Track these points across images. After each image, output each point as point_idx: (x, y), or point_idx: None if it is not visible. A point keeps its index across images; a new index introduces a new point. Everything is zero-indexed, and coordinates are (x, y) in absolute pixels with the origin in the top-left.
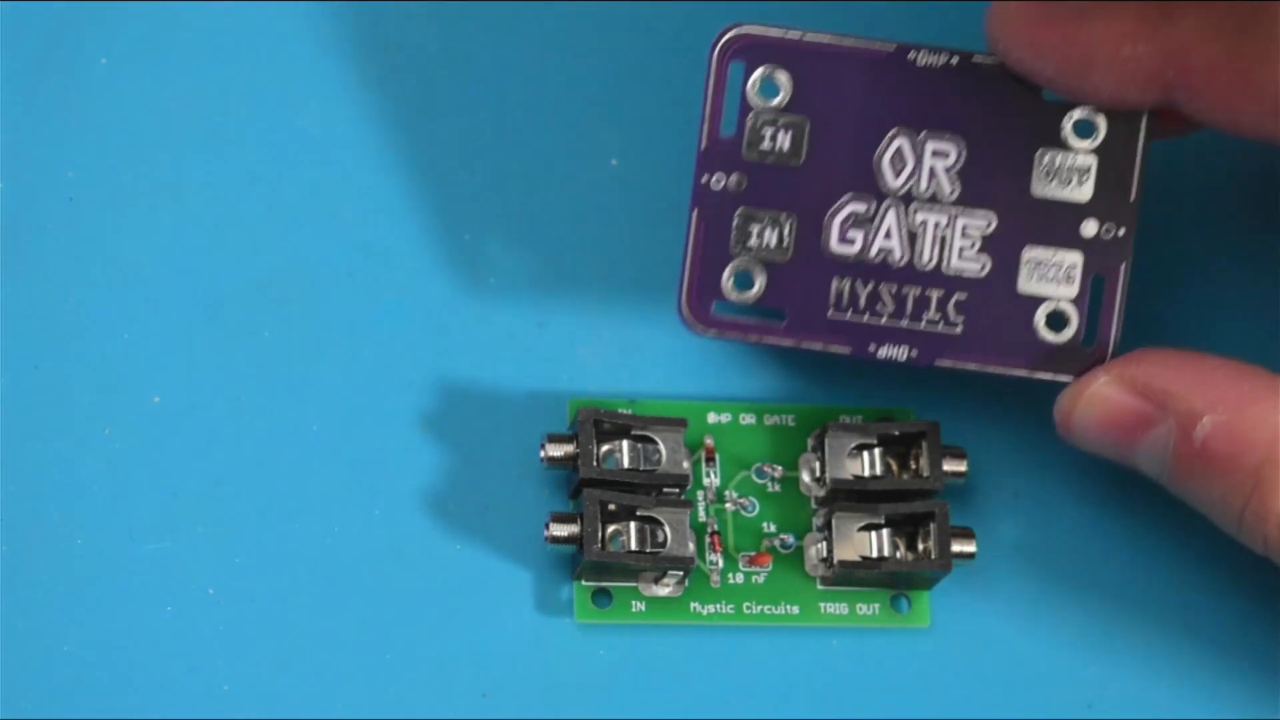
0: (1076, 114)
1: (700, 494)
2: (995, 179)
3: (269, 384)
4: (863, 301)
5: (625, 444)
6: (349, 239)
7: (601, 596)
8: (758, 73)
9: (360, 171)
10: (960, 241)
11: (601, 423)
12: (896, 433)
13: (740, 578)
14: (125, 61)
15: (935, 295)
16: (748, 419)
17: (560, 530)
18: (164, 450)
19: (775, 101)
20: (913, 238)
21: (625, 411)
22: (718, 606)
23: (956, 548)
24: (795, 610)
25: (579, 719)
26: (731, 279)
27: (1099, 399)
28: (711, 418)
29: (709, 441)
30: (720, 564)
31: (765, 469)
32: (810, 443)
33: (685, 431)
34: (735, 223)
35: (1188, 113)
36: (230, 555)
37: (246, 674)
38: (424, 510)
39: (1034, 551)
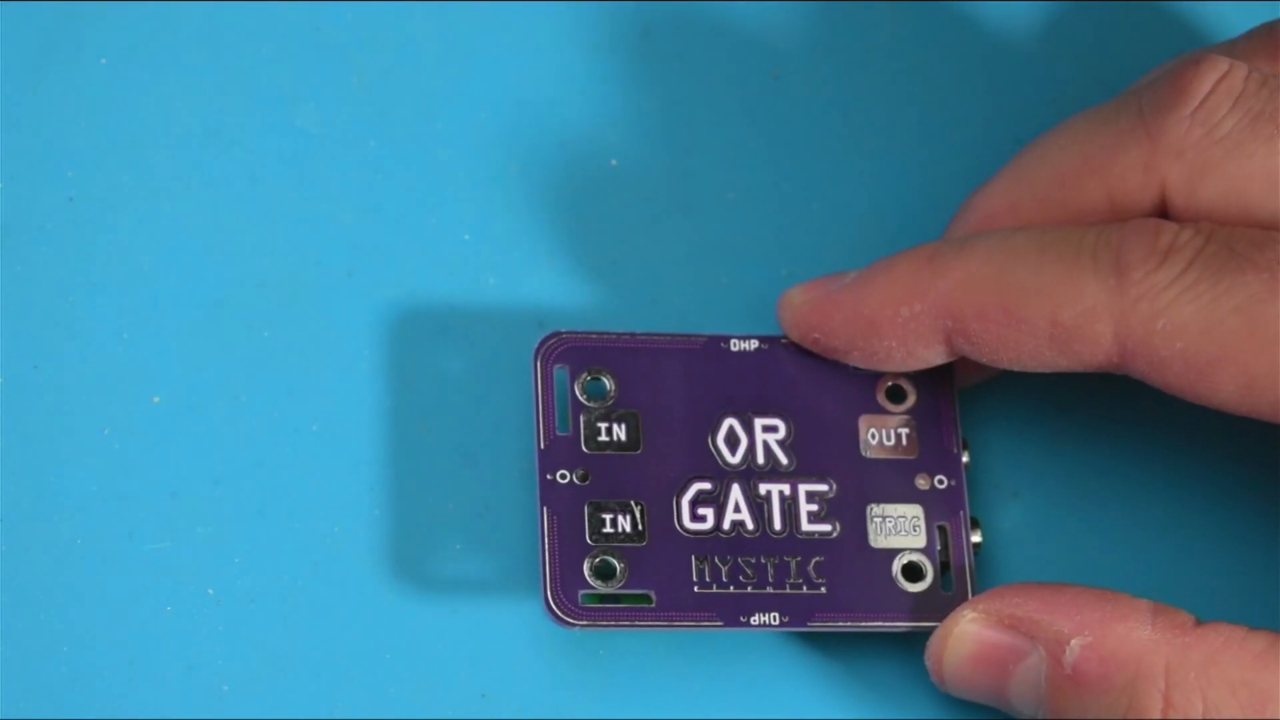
0: (888, 381)
1: None
2: (827, 446)
3: (269, 384)
4: (725, 575)
5: None
6: (349, 239)
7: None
8: (583, 376)
9: (360, 171)
10: (806, 507)
11: None
12: None
13: None
14: (125, 61)
15: (794, 560)
16: None
17: None
18: (164, 450)
19: (604, 399)
20: (760, 509)
21: None
22: None
23: None
24: None
25: (582, 719)
26: (592, 569)
27: (967, 637)
28: None
29: None
30: None
31: None
32: None
33: None
34: (586, 513)
35: (974, 358)
36: (230, 555)
37: (246, 674)
38: (424, 511)
39: (1037, 545)
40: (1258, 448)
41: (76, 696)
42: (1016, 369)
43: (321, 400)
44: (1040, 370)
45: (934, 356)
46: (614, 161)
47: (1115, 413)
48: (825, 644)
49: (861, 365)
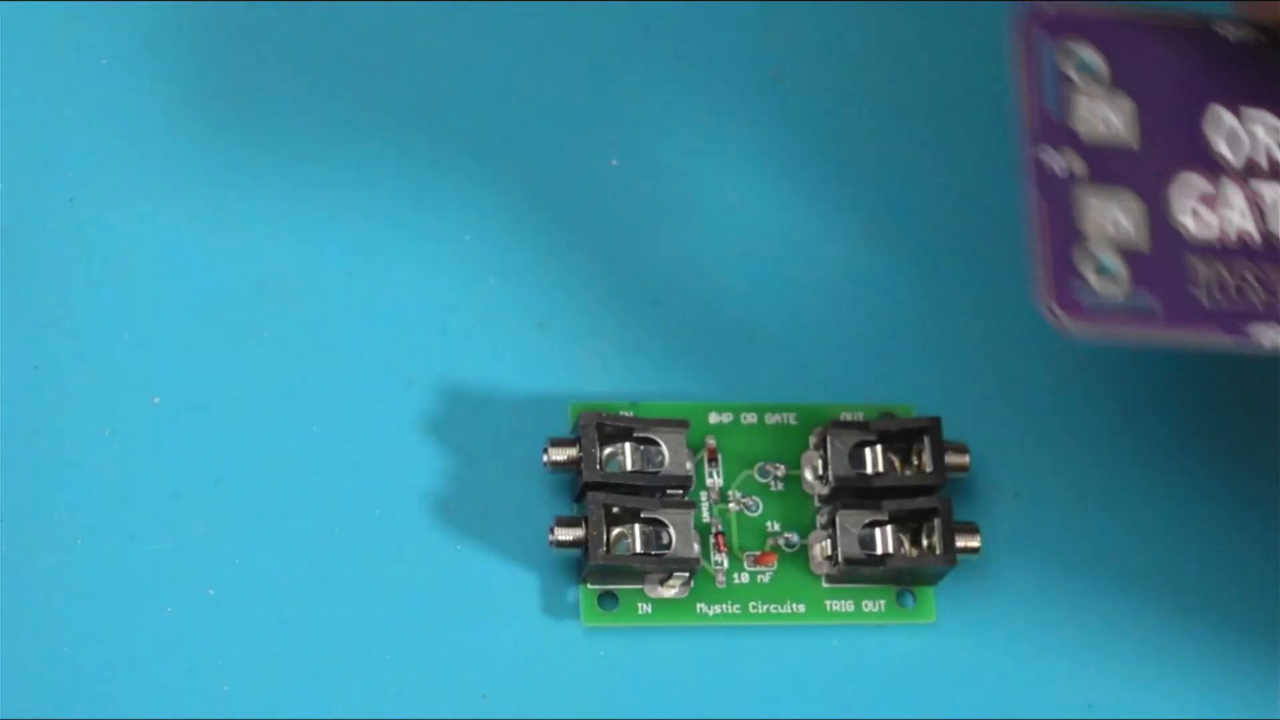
0: None
1: (704, 495)
2: None
3: (269, 384)
4: (1233, 287)
5: (628, 446)
6: (348, 239)
7: (608, 599)
8: (1077, 49)
9: (360, 171)
10: None
11: (603, 426)
12: (898, 429)
13: (745, 577)
14: (125, 61)
15: None
16: (749, 418)
17: (565, 534)
18: (164, 450)
19: (1098, 79)
20: (1262, 215)
21: (627, 414)
22: (724, 606)
23: (961, 542)
24: (801, 608)
25: (582, 719)
26: (1094, 268)
27: None
28: (713, 418)
29: (711, 442)
30: (725, 564)
31: (768, 468)
32: (812, 441)
33: (687, 432)
34: (1083, 208)
35: None
36: (230, 555)
37: (246, 675)
38: (424, 512)
39: (1038, 546)
40: (1258, 447)
41: (76, 696)
42: None
43: (321, 400)
44: None
45: None
46: (614, 162)
47: (1115, 413)
48: (832, 641)
49: None
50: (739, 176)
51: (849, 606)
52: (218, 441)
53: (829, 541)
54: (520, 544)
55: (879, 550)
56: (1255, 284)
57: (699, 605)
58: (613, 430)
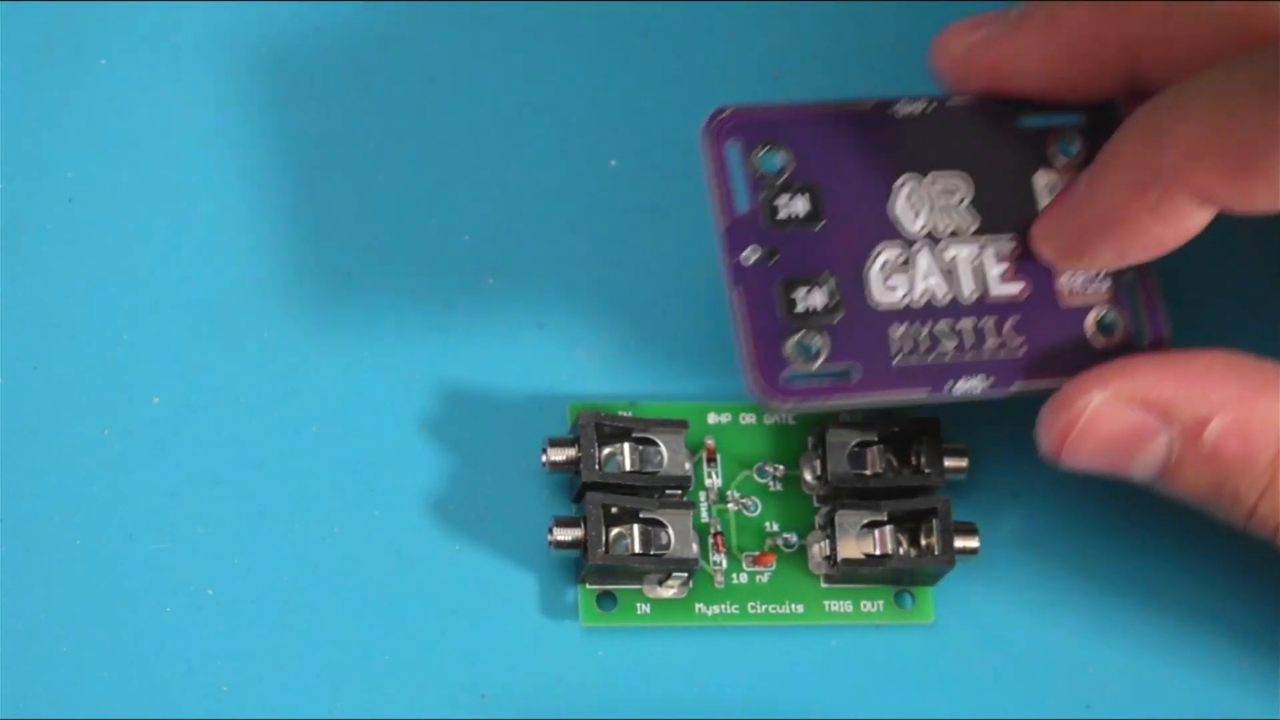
0: (1058, 138)
1: (702, 495)
2: (1006, 205)
3: (269, 384)
4: (925, 344)
5: (626, 447)
6: (348, 239)
7: (606, 600)
8: (759, 150)
9: (360, 171)
10: (994, 269)
11: (602, 426)
12: (897, 429)
13: (744, 578)
14: (125, 61)
15: (989, 323)
16: (748, 419)
17: (564, 534)
18: (164, 451)
19: (780, 172)
20: (949, 274)
21: (626, 414)
22: (722, 607)
23: (959, 543)
24: (800, 609)
25: (582, 719)
26: (795, 347)
27: (1099, 419)
28: (712, 418)
29: (710, 442)
30: (724, 564)
31: (766, 468)
32: (811, 441)
33: (686, 433)
34: (779, 292)
35: (1233, 212)
36: (230, 556)
37: (246, 675)
38: (424, 512)
39: (1036, 546)
40: None
41: (76, 696)
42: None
43: (321, 401)
44: None
45: (1199, 218)
46: (614, 162)
47: None
48: (830, 641)
49: (1141, 257)
50: None
51: (848, 607)
52: (217, 441)
53: (827, 542)
54: (519, 544)
55: (877, 551)
56: (949, 338)
57: (698, 605)
58: (611, 430)
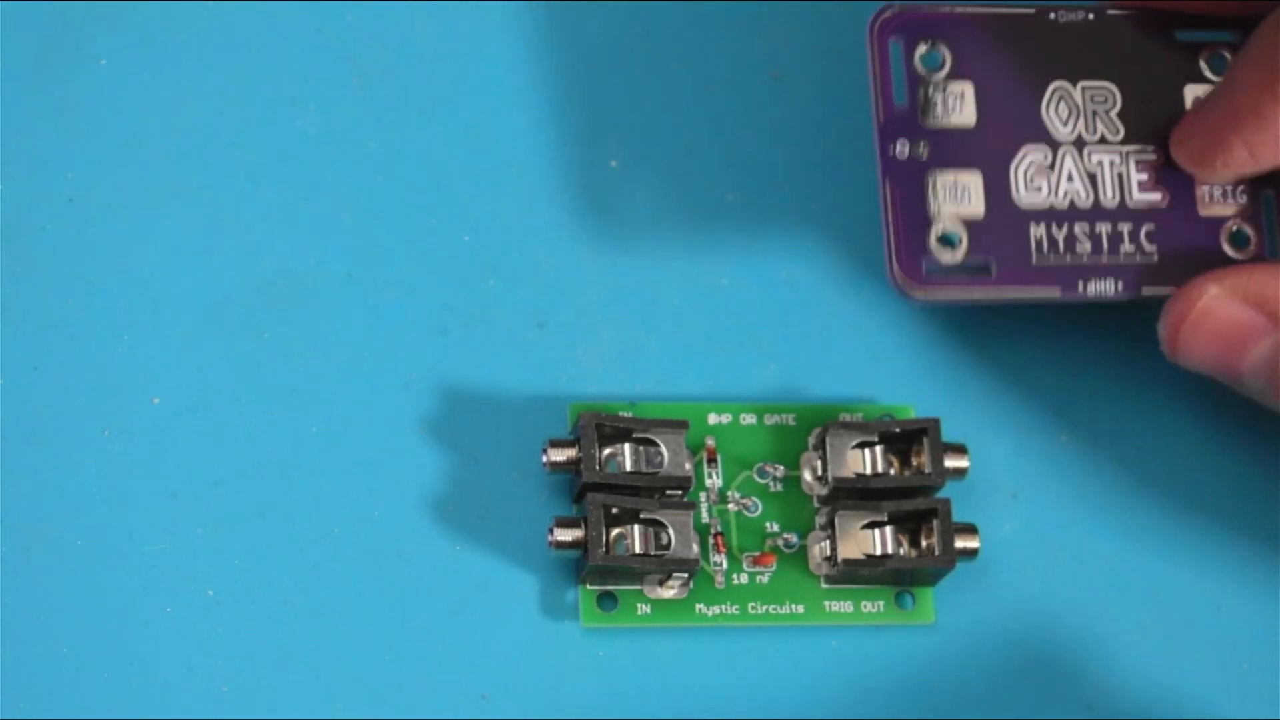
0: (1211, 53)
1: (703, 495)
2: (1154, 116)
3: (269, 384)
4: (1062, 244)
5: (627, 447)
6: (348, 239)
7: (607, 600)
8: (921, 47)
9: (360, 172)
10: (1136, 176)
11: (603, 426)
12: (897, 430)
13: (745, 578)
14: (125, 62)
15: (1125, 229)
16: (748, 419)
17: (564, 535)
18: (164, 451)
19: (940, 70)
20: (1092, 179)
21: (626, 414)
22: (723, 607)
23: (959, 543)
24: (800, 609)
25: (582, 719)
26: (936, 240)
27: (1208, 311)
28: (712, 419)
29: (710, 442)
30: (724, 565)
31: (767, 469)
32: (811, 441)
33: (686, 433)
34: (927, 186)
35: None
36: (230, 556)
37: (245, 675)
38: (424, 512)
39: (1036, 547)
40: (1258, 446)
41: (76, 696)
42: None
43: (321, 400)
44: None
45: None
46: (614, 162)
47: (1114, 413)
48: (831, 642)
49: (1274, 162)
50: (739, 176)
51: (848, 607)
52: (218, 441)
53: (828, 542)
54: (519, 545)
55: (878, 551)
56: (1085, 240)
57: (698, 606)
58: (612, 431)
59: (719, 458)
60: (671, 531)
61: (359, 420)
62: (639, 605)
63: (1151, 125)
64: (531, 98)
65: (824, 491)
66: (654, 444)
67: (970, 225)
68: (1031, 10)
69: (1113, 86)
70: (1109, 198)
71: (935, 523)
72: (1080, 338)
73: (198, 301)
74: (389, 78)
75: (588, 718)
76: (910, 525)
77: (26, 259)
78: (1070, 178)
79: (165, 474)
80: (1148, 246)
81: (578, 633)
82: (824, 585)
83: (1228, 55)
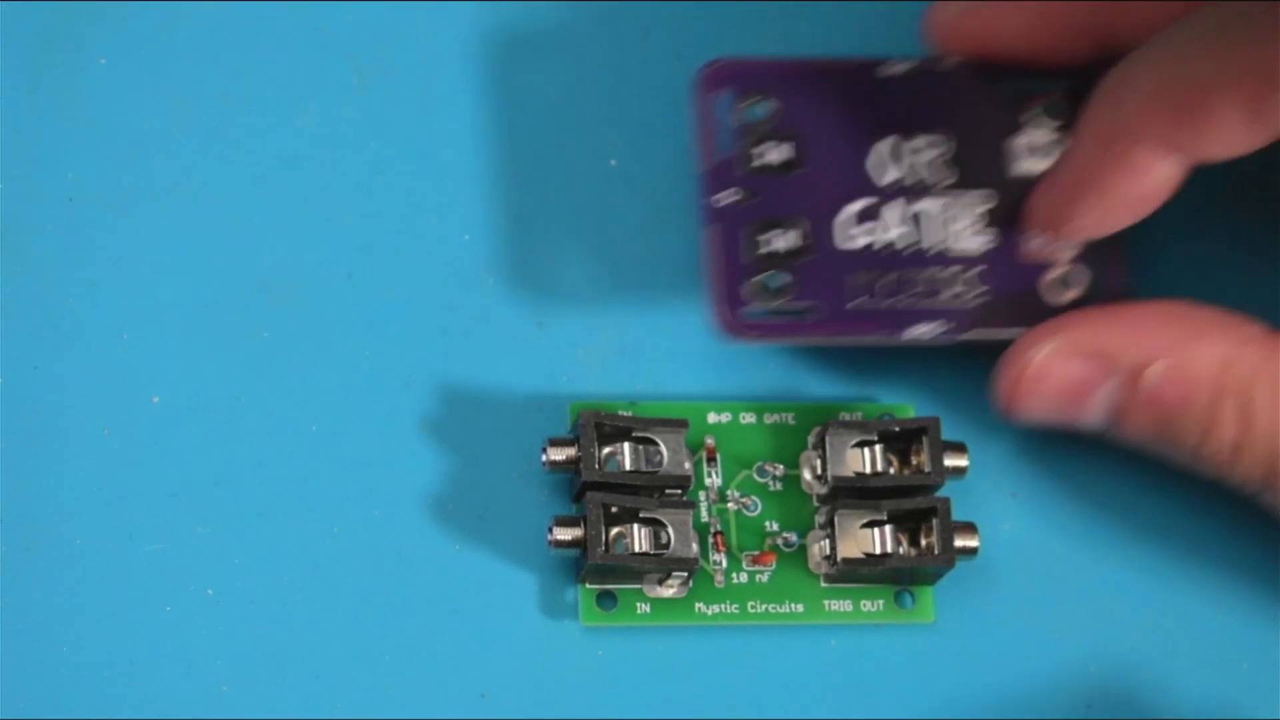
0: (1041, 102)
1: (702, 494)
2: (980, 163)
3: (269, 384)
4: (885, 289)
5: (627, 446)
6: (348, 239)
7: (606, 599)
8: (746, 99)
9: (360, 171)
10: (962, 223)
11: (602, 425)
12: (897, 429)
13: (744, 577)
14: (125, 61)
15: (950, 274)
16: (748, 418)
17: (563, 534)
18: (164, 450)
19: (765, 121)
20: (918, 225)
21: (626, 413)
22: (722, 606)
23: (959, 542)
24: (800, 608)
25: (582, 719)
26: (757, 285)
27: (1046, 370)
28: (712, 418)
29: (710, 442)
30: (724, 564)
31: (767, 468)
32: (811, 440)
33: (686, 432)
34: (748, 233)
35: (1206, 160)
36: (230, 555)
37: (245, 674)
38: (424, 512)
39: (1036, 546)
40: None
41: (76, 696)
42: (1229, 158)
43: (321, 401)
44: (1247, 152)
45: (1166, 173)
46: (614, 161)
47: None
48: (830, 641)
49: (1119, 221)
50: None
51: (847, 606)
52: (217, 441)
53: (827, 542)
54: (519, 544)
55: (877, 550)
56: (908, 285)
57: (697, 605)
58: (611, 430)
59: (718, 457)
60: (671, 530)
61: (359, 420)
62: (638, 604)
63: (980, 172)
64: (532, 96)
65: (823, 490)
66: (653, 443)
67: (792, 271)
68: (858, 64)
69: (941, 136)
70: (932, 244)
71: (935, 522)
72: None
73: (198, 301)
74: (389, 78)
75: (587, 717)
76: (910, 524)
77: (26, 259)
78: (895, 224)
79: (165, 474)
80: (972, 290)
81: (577, 631)
82: (823, 584)
83: (1060, 106)
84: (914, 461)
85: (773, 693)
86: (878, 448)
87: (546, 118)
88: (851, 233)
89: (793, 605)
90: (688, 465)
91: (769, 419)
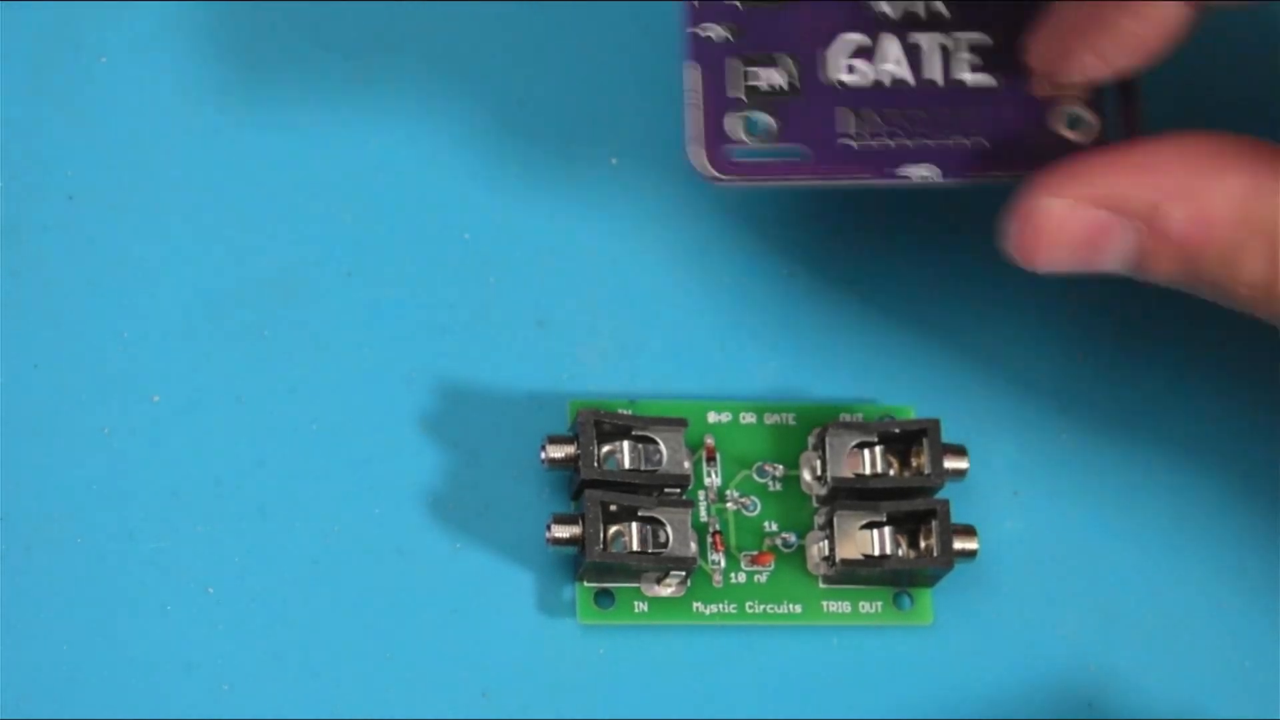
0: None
1: (701, 494)
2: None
3: (268, 384)
4: (879, 127)
5: (626, 445)
6: (348, 239)
7: (604, 597)
8: None
9: (359, 171)
10: (965, 56)
11: (602, 423)
12: (897, 430)
13: (742, 577)
14: (125, 61)
15: (949, 112)
16: (748, 418)
17: (562, 532)
18: (164, 450)
19: None
20: (916, 60)
21: (625, 412)
22: (720, 606)
23: (958, 545)
24: (798, 609)
25: (582, 719)
26: (743, 124)
27: (1061, 224)
28: (712, 417)
29: (710, 441)
30: (722, 563)
31: (766, 468)
32: (811, 441)
33: (686, 431)
34: (735, 68)
35: None
36: (230, 555)
37: (246, 674)
38: (423, 510)
39: (1035, 549)
40: (1258, 445)
41: (76, 696)
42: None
43: (321, 401)
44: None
45: (1172, 11)
46: (614, 161)
47: (1115, 413)
48: (828, 642)
49: (1124, 61)
50: None
51: (845, 608)
52: (218, 439)
53: (826, 542)
54: (518, 542)
55: (876, 552)
56: (903, 122)
57: (695, 604)
58: (611, 428)
59: (718, 456)
60: (669, 529)
61: (359, 418)
62: (636, 603)
63: (982, 9)
64: (532, 97)
65: (823, 491)
66: (653, 442)
67: (780, 109)
68: None
69: None
70: (933, 80)
71: (934, 524)
72: (1081, 337)
73: (198, 299)
74: (389, 77)
75: (585, 716)
76: (909, 526)
77: (26, 257)
78: (891, 60)
79: (165, 472)
80: (975, 129)
81: (575, 630)
82: (822, 585)
83: None
84: (914, 463)
85: (770, 693)
86: (878, 449)
87: (547, 117)
88: (846, 68)
89: (791, 606)
90: (687, 464)
91: (769, 419)
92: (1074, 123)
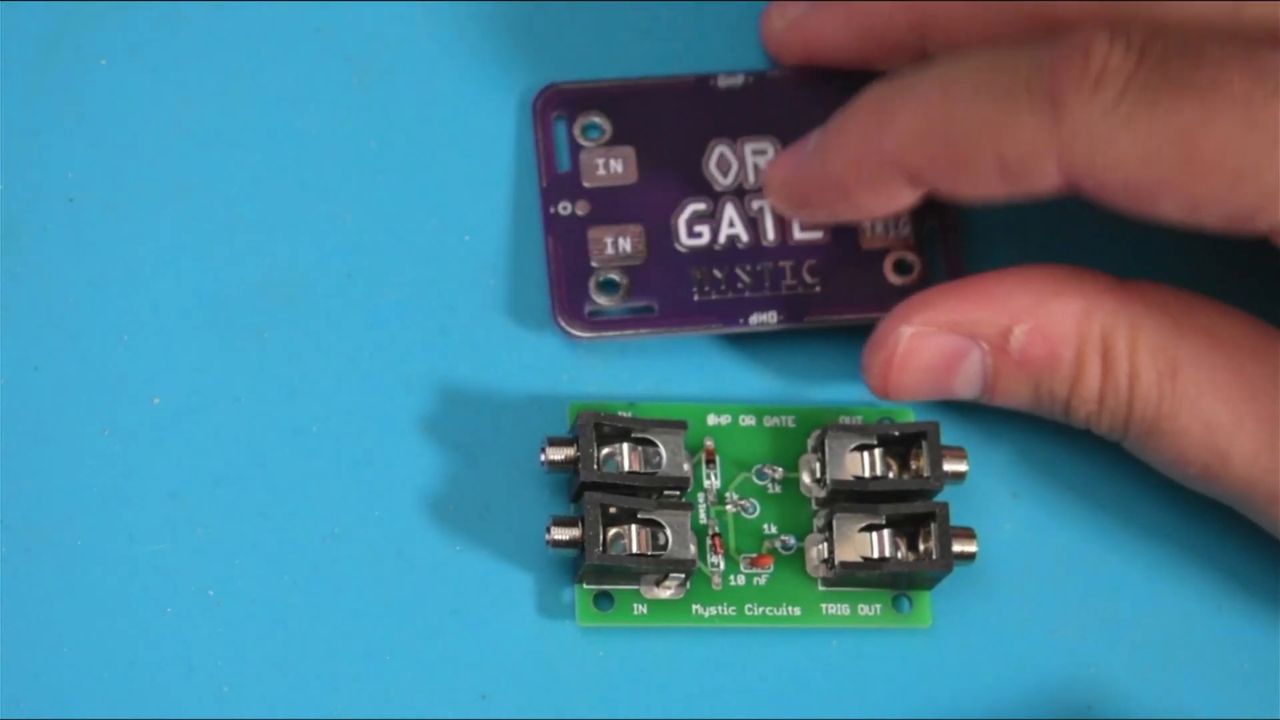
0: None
1: (701, 496)
2: None
3: (269, 385)
4: (723, 282)
5: (626, 447)
6: (348, 239)
7: (603, 599)
8: (581, 119)
9: (360, 171)
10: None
11: (602, 426)
12: (897, 433)
13: (742, 579)
14: (125, 61)
15: (787, 265)
16: (748, 420)
17: (561, 534)
18: (164, 451)
19: (601, 138)
20: (753, 222)
21: (625, 414)
22: (719, 608)
23: (957, 548)
24: (797, 611)
25: (582, 719)
26: (597, 286)
27: (913, 350)
28: (711, 420)
29: (709, 443)
30: (721, 566)
31: (766, 470)
32: (810, 444)
33: (685, 434)
34: (588, 239)
35: (942, 196)
36: (230, 556)
37: (246, 675)
38: (423, 512)
39: (1034, 551)
40: None
41: (76, 696)
42: (981, 203)
43: (321, 401)
44: (1002, 202)
45: (908, 198)
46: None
47: None
48: (827, 645)
49: (853, 220)
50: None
51: (845, 610)
52: (218, 441)
53: (825, 545)
54: (517, 544)
55: (875, 554)
56: (746, 278)
57: (695, 607)
58: (611, 430)
59: (718, 459)
60: (669, 532)
61: (359, 420)
62: (635, 605)
63: None
64: (531, 95)
65: (822, 494)
66: (652, 444)
67: (631, 272)
68: (692, 80)
69: (773, 140)
70: (769, 239)
71: (933, 526)
72: None
73: (198, 301)
74: (389, 78)
75: (584, 718)
76: (908, 529)
77: (27, 259)
78: (731, 223)
79: (165, 474)
80: (810, 279)
81: (574, 632)
82: (821, 588)
83: None
84: (913, 466)
85: (769, 696)
86: (877, 452)
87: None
88: (690, 232)
89: (790, 608)
90: (686, 467)
91: (769, 421)
92: (901, 268)
